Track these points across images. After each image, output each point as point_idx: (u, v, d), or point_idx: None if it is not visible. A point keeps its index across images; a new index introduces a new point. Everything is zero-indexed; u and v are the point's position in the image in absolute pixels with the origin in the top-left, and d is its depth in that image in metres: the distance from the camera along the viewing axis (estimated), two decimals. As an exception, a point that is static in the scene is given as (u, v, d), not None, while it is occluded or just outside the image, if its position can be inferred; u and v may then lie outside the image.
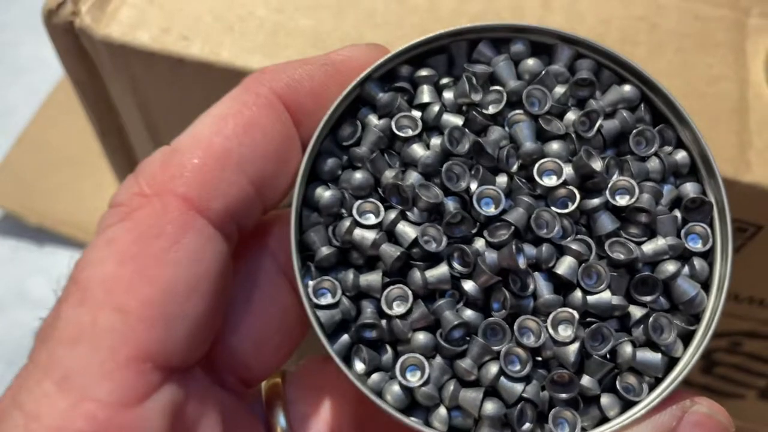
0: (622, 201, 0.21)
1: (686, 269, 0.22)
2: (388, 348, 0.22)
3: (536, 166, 0.22)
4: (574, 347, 0.20)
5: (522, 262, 0.20)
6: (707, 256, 0.22)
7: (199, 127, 0.21)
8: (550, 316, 0.21)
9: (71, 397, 0.18)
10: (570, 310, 0.21)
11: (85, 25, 0.33)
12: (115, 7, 0.34)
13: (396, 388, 0.21)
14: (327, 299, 0.22)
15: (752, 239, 0.34)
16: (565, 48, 0.23)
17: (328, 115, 0.22)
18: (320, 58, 0.23)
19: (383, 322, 0.21)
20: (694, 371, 0.46)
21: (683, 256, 0.22)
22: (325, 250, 0.22)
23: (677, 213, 0.22)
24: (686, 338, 0.21)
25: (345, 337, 0.22)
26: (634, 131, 0.22)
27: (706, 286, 0.22)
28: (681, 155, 0.23)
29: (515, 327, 0.21)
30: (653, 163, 0.22)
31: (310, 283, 0.22)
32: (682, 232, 0.22)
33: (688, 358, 0.21)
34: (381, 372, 0.22)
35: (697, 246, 0.22)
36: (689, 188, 0.22)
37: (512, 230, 0.21)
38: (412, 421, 0.21)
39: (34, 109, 0.62)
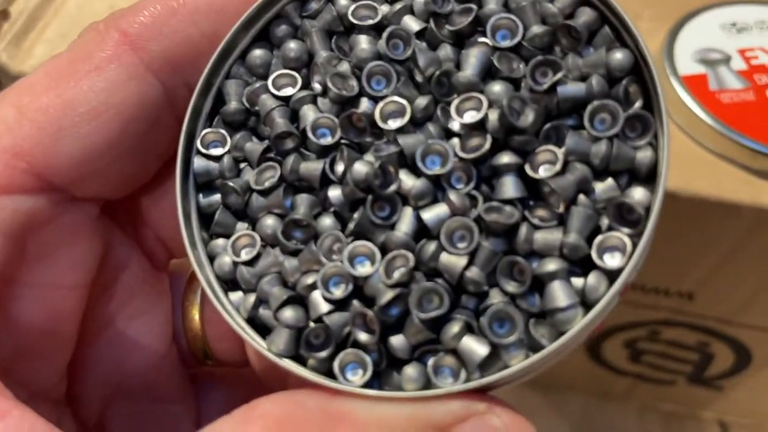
0: (536, 173, 0.18)
1: (579, 280, 0.18)
2: (247, 221, 0.21)
3: (459, 98, 0.19)
4: (391, 293, 0.18)
5: (388, 188, 0.19)
6: (612, 275, 0.18)
7: None
8: (389, 255, 0.18)
9: None
10: (409, 255, 0.18)
11: (2, 63, 0.35)
12: (30, 44, 0.36)
13: (227, 259, 0.20)
14: (214, 151, 0.21)
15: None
16: None
17: None
18: None
19: (249, 196, 0.21)
20: (623, 360, 0.48)
21: (585, 263, 0.18)
22: (234, 104, 0.21)
23: (605, 218, 0.18)
24: (536, 350, 0.18)
25: (216, 196, 0.21)
26: (596, 103, 0.18)
27: (589, 306, 0.18)
28: (644, 154, 0.19)
29: (348, 250, 0.19)
30: (599, 147, 0.18)
31: (205, 131, 0.21)
32: (598, 239, 0.18)
33: (520, 369, 0.18)
34: (224, 240, 0.21)
35: (609, 261, 0.18)
36: (636, 194, 0.18)
37: (396, 151, 0.19)
38: (216, 299, 0.20)
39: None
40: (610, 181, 0.18)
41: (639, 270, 0.18)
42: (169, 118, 0.22)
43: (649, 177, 0.19)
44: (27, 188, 0.20)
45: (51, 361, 0.22)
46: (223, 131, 0.21)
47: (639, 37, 0.19)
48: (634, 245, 0.18)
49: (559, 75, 0.19)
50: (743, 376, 0.47)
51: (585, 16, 0.20)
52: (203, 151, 0.21)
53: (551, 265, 0.18)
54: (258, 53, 0.22)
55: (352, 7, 0.21)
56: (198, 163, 0.21)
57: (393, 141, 0.19)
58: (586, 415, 0.54)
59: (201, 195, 0.21)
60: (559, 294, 0.17)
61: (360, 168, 0.19)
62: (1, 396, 0.17)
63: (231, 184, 0.21)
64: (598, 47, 0.20)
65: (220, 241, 0.21)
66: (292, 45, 0.21)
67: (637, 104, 0.19)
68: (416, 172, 0.19)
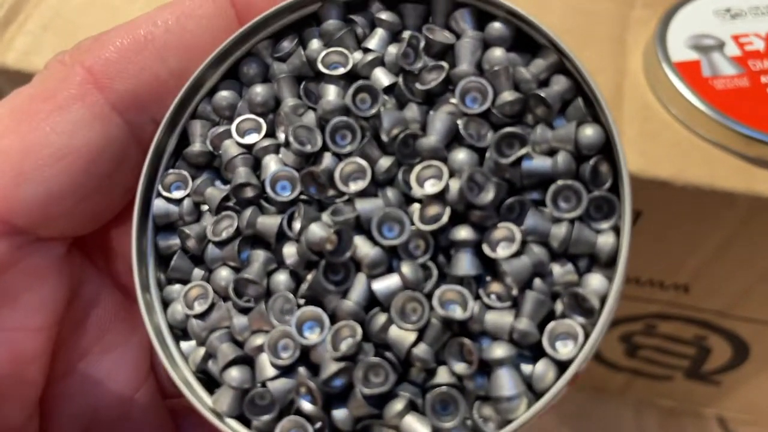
0: (493, 251, 0.18)
1: (528, 366, 0.18)
2: (196, 268, 0.21)
3: (420, 166, 0.18)
4: (335, 366, 0.18)
5: (346, 255, 0.18)
6: (563, 365, 0.17)
7: (137, 17, 0.21)
8: (337, 325, 0.18)
9: None
10: (356, 326, 0.18)
11: (-18, 55, 0.34)
12: (11, 35, 0.35)
13: (179, 307, 0.20)
14: (173, 194, 0.21)
15: (635, 224, 0.35)
16: (552, 55, 0.19)
17: (268, 13, 0.20)
18: None
19: (207, 244, 0.20)
20: (619, 355, 0.48)
21: (535, 349, 0.18)
22: (198, 146, 0.21)
23: (559, 303, 0.18)
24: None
25: (175, 239, 0.21)
26: (560, 183, 0.18)
27: (537, 394, 0.18)
28: (606, 239, 0.18)
29: (297, 314, 0.18)
30: (559, 229, 0.18)
31: (168, 172, 0.21)
32: (550, 326, 0.18)
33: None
34: (183, 285, 0.20)
35: (562, 350, 0.17)
36: (594, 281, 0.18)
37: (353, 216, 0.18)
38: (163, 353, 0.20)
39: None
40: (568, 265, 0.18)
41: (589, 359, 0.18)
42: (136, 155, 0.21)
43: (609, 262, 0.18)
44: None
45: (17, 403, 0.22)
46: (185, 173, 0.21)
47: (609, 115, 0.18)
48: (587, 335, 0.17)
49: (524, 150, 0.18)
50: (741, 370, 0.46)
51: (559, 84, 0.19)
52: (164, 193, 0.21)
53: (499, 350, 0.17)
54: (224, 94, 0.21)
55: (324, 53, 0.20)
56: (158, 204, 0.21)
57: (352, 204, 0.19)
58: (582, 412, 0.53)
59: (160, 236, 0.21)
60: (505, 382, 0.17)
61: (315, 231, 0.18)
62: None
63: (188, 231, 0.20)
64: (570, 118, 0.19)
65: (176, 287, 0.21)
66: (259, 90, 0.20)
67: (606, 185, 0.18)
68: (372, 239, 0.18)
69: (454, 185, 0.18)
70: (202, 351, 0.20)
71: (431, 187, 0.18)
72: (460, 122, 0.18)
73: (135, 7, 0.37)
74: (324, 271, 0.18)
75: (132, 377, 0.24)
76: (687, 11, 0.36)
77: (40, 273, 0.21)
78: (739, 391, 0.49)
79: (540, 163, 0.18)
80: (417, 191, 0.18)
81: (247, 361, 0.19)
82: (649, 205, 0.34)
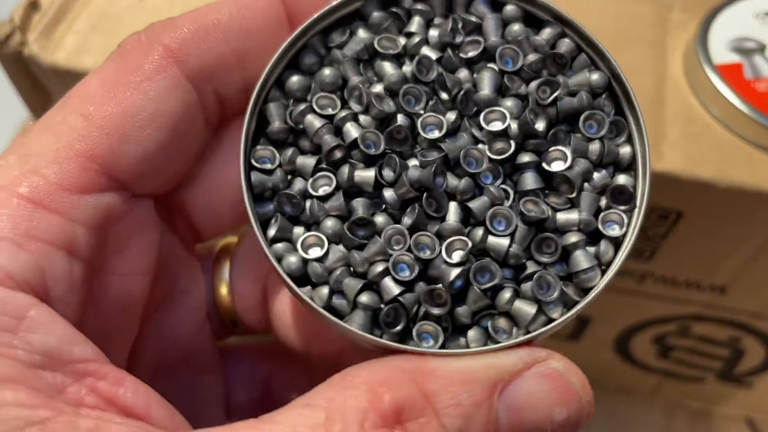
0: (554, 167, 0.23)
1: (592, 248, 0.23)
2: (303, 228, 0.24)
3: (485, 111, 0.23)
4: (458, 270, 0.22)
5: (440, 185, 0.22)
6: (617, 242, 0.23)
7: (202, 6, 0.25)
8: (448, 240, 0.22)
9: (24, 168, 0.21)
10: (466, 239, 0.22)
11: (33, 54, 0.35)
12: (60, 35, 0.36)
13: (294, 258, 0.23)
14: (265, 165, 0.24)
15: (676, 225, 0.35)
16: (554, 25, 0.25)
17: (322, 12, 0.25)
18: None
19: (306, 202, 0.23)
20: (651, 357, 0.48)
21: (594, 235, 0.23)
22: (278, 124, 0.24)
23: (603, 198, 0.23)
24: (569, 307, 0.22)
25: (270, 206, 0.24)
26: (587, 113, 0.24)
27: (604, 267, 0.23)
28: (625, 150, 0.24)
29: (413, 239, 0.22)
30: (594, 146, 0.23)
31: (256, 148, 0.24)
32: (601, 215, 0.23)
33: (561, 320, 0.22)
34: (288, 244, 0.23)
35: (612, 231, 0.23)
36: (621, 179, 0.24)
37: (441, 155, 0.22)
38: (297, 289, 0.22)
39: (12, 134, 0.64)
40: (603, 171, 0.24)
41: (635, 240, 0.23)
42: (201, 121, 0.25)
43: (628, 167, 0.24)
44: (102, 187, 0.22)
45: (124, 343, 0.25)
46: (271, 148, 0.24)
47: (611, 58, 0.24)
48: (629, 218, 0.23)
49: (559, 91, 0.23)
50: (774, 372, 0.46)
51: (565, 45, 0.25)
52: (257, 165, 0.24)
53: (572, 237, 0.23)
54: (296, 79, 0.24)
55: (377, 38, 0.24)
56: (254, 177, 0.24)
57: (435, 148, 0.23)
58: (612, 413, 0.53)
59: (256, 205, 0.24)
60: (582, 260, 0.22)
61: (414, 171, 0.22)
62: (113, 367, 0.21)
63: (291, 192, 0.23)
64: (577, 70, 0.25)
65: (280, 245, 0.23)
66: (327, 72, 0.24)
67: (611, 112, 0.24)
68: (455, 173, 0.23)
69: (513, 124, 0.23)
70: (325, 290, 0.23)
71: (497, 127, 0.23)
72: (506, 78, 0.24)
73: (176, 10, 0.37)
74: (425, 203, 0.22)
75: (195, 321, 0.28)
76: (727, 14, 0.36)
77: (142, 224, 0.24)
78: (770, 394, 0.49)
79: (569, 100, 0.24)
80: (484, 131, 0.23)
81: (371, 287, 0.22)
82: (690, 206, 0.34)
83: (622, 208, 0.23)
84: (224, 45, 0.24)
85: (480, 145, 0.23)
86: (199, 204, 0.27)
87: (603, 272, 0.23)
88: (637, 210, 0.23)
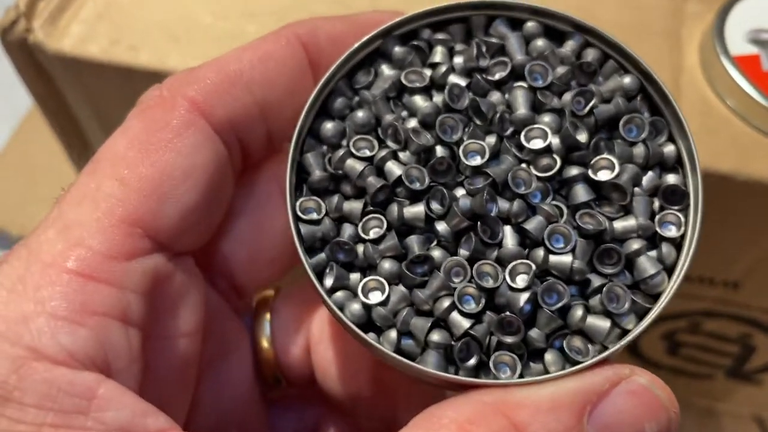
0: (601, 176, 0.23)
1: (654, 252, 0.23)
2: (359, 273, 0.23)
3: (525, 130, 0.23)
4: (526, 295, 0.21)
5: (493, 211, 0.22)
6: (677, 243, 0.23)
7: (222, 55, 0.25)
8: (510, 265, 0.22)
9: (68, 242, 0.21)
10: (528, 262, 0.22)
11: (38, 41, 0.35)
12: (66, 22, 0.35)
13: (356, 305, 0.22)
14: (311, 216, 0.23)
15: (690, 220, 0.35)
16: (576, 35, 0.25)
17: (346, 56, 0.24)
18: (345, 16, 0.26)
19: (358, 247, 0.23)
20: (660, 353, 0.47)
21: (653, 239, 0.23)
22: (318, 173, 0.24)
23: (655, 200, 0.23)
24: (641, 315, 0.22)
25: (322, 256, 0.23)
26: (626, 117, 0.23)
27: (669, 270, 0.23)
28: (668, 148, 0.24)
29: (474, 269, 0.22)
30: (639, 149, 0.23)
31: (299, 200, 0.24)
32: (657, 217, 0.23)
33: (637, 331, 0.22)
34: (347, 291, 0.23)
35: (669, 232, 0.23)
36: (671, 179, 0.24)
37: (489, 181, 0.22)
38: (366, 336, 0.22)
39: (16, 123, 0.63)
40: (650, 173, 0.23)
41: (698, 238, 0.23)
42: (231, 173, 0.25)
43: (673, 165, 0.24)
44: (147, 251, 0.22)
45: (182, 408, 0.24)
46: (315, 198, 0.24)
47: (644, 62, 0.24)
48: (686, 217, 0.23)
49: (594, 100, 0.23)
50: (784, 369, 0.46)
51: (591, 54, 0.25)
52: (304, 217, 0.23)
53: (635, 244, 0.22)
54: (330, 125, 0.24)
55: (404, 73, 0.24)
56: (302, 229, 0.23)
57: (480, 174, 0.23)
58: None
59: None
60: (648, 265, 0.22)
61: (465, 200, 0.22)
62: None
63: (342, 239, 0.23)
64: (607, 76, 0.25)
65: (339, 294, 0.23)
66: (360, 114, 0.24)
67: (647, 114, 0.24)
68: (505, 197, 0.23)
69: (555, 139, 0.23)
70: (393, 333, 0.22)
71: (539, 143, 0.23)
72: (536, 95, 0.24)
73: (181, 2, 0.37)
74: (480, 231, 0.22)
75: (245, 381, 0.27)
76: (743, 6, 0.35)
77: (187, 282, 0.24)
78: (779, 391, 0.48)
79: (606, 108, 0.24)
80: (526, 150, 0.23)
81: (440, 324, 0.22)
82: (707, 199, 0.33)
83: (677, 207, 0.23)
84: (248, 96, 0.24)
85: (524, 165, 0.23)
86: (237, 257, 0.26)
87: (669, 275, 0.22)
88: (692, 207, 0.23)
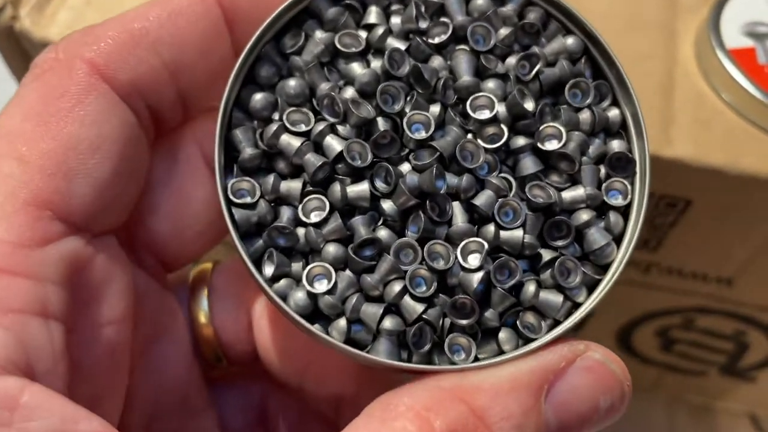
0: (549, 146, 0.22)
1: (602, 222, 0.22)
2: (301, 258, 0.22)
3: (470, 99, 0.22)
4: (479, 275, 0.21)
5: (441, 188, 0.21)
6: (624, 211, 0.22)
7: (125, 12, 0.22)
8: (461, 244, 0.21)
9: None
10: (480, 240, 0.21)
11: (24, 28, 0.34)
12: (53, 10, 0.35)
13: (301, 294, 0.21)
14: (245, 200, 0.22)
15: (684, 214, 0.34)
16: None
17: (271, 19, 0.22)
18: None
19: (298, 230, 0.22)
20: (654, 350, 0.47)
21: (600, 208, 0.22)
22: (249, 151, 0.22)
23: (601, 167, 0.23)
24: (591, 287, 0.22)
25: (259, 242, 0.22)
26: (571, 82, 0.23)
27: (618, 239, 0.22)
28: (613, 113, 0.23)
29: (425, 250, 0.21)
30: (585, 115, 0.23)
31: (230, 181, 0.22)
32: (603, 186, 0.22)
33: (589, 304, 0.21)
34: (290, 279, 0.22)
35: (616, 201, 0.22)
36: (616, 145, 0.23)
37: (436, 155, 0.21)
38: (312, 327, 0.21)
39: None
40: (596, 140, 0.23)
41: (645, 208, 0.22)
42: (144, 141, 0.22)
43: (618, 131, 0.23)
44: (60, 234, 0.20)
45: (117, 399, 0.22)
46: (248, 179, 0.22)
47: (588, 23, 0.23)
48: (632, 185, 0.22)
49: (540, 65, 0.22)
50: (778, 367, 0.45)
51: (534, 13, 0.24)
52: (237, 201, 0.22)
53: (584, 215, 0.22)
54: (259, 97, 0.22)
55: (338, 36, 0.23)
56: (236, 214, 0.22)
57: (426, 148, 0.21)
58: (613, 407, 0.52)
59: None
60: (597, 237, 0.22)
61: (412, 177, 0.21)
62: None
63: (281, 224, 0.21)
64: (550, 38, 0.24)
65: (282, 283, 0.22)
66: (292, 83, 0.22)
67: (588, 76, 0.24)
68: (452, 170, 0.21)
69: (501, 107, 0.22)
70: (342, 322, 0.21)
71: (486, 113, 0.22)
72: (482, 58, 0.23)
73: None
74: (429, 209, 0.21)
75: (183, 360, 0.25)
76: (739, -1, 0.35)
77: (110, 265, 0.21)
78: (774, 389, 0.48)
79: (551, 72, 0.23)
80: (476, 117, 0.22)
81: (392, 310, 0.21)
82: (699, 194, 0.33)
83: (624, 175, 0.22)
84: (155, 57, 0.22)
85: (469, 136, 0.22)
86: (162, 231, 0.24)
87: (618, 245, 0.22)
88: (639, 174, 0.22)
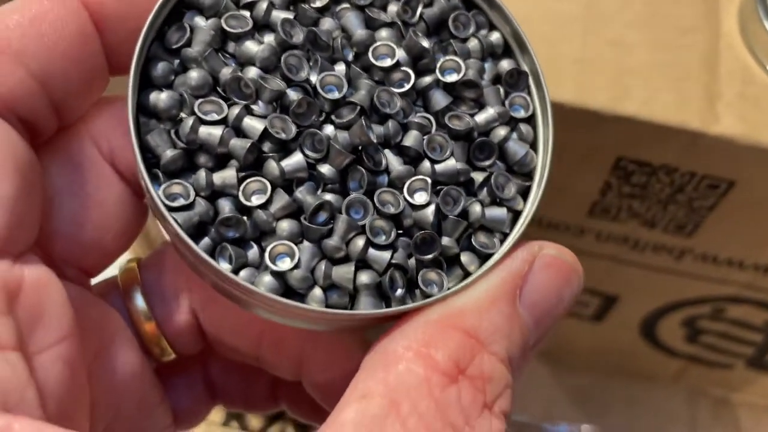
0: (451, 78, 0.23)
1: (515, 135, 0.23)
2: (254, 244, 0.22)
3: (371, 50, 0.23)
4: (431, 209, 0.22)
5: (373, 136, 0.22)
6: (530, 121, 0.24)
7: None
8: (405, 186, 0.22)
9: None
10: (422, 177, 0.22)
11: None
12: None
13: (268, 277, 0.21)
14: (181, 202, 0.21)
15: (725, 196, 0.32)
16: None
17: (151, 18, 0.22)
18: None
19: (244, 218, 0.22)
20: (678, 341, 0.45)
21: (509, 123, 0.24)
22: (170, 153, 0.22)
23: (499, 87, 0.24)
24: (524, 194, 0.23)
25: (206, 240, 0.22)
26: (452, 15, 0.24)
27: (534, 147, 0.24)
28: (495, 36, 0.25)
29: (375, 200, 0.22)
30: (472, 44, 0.24)
31: (160, 189, 0.21)
32: (506, 103, 0.24)
33: (528, 209, 0.23)
34: (250, 268, 0.22)
35: (520, 113, 0.24)
36: (505, 65, 0.24)
37: (358, 109, 0.22)
38: (303, 305, 0.21)
39: None
40: (488, 64, 0.24)
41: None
42: (30, 151, 0.21)
43: (504, 52, 0.25)
44: None
45: (85, 416, 0.22)
46: (179, 181, 0.22)
47: None
48: (530, 95, 0.24)
49: (420, 7, 0.23)
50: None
51: None
52: (174, 205, 0.21)
53: (501, 131, 0.23)
54: (163, 96, 0.22)
55: (223, 19, 0.23)
56: (179, 218, 0.21)
57: (344, 105, 0.22)
58: (632, 399, 0.51)
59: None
60: (516, 148, 0.23)
61: (344, 135, 0.22)
62: None
63: (227, 215, 0.21)
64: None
65: (244, 273, 0.21)
66: (194, 75, 0.22)
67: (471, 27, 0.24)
68: (373, 121, 0.22)
69: (400, 52, 0.23)
70: (318, 292, 0.21)
71: (388, 61, 0.23)
72: (366, 11, 0.23)
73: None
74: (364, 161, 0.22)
75: (132, 363, 0.25)
76: (787, -32, 0.33)
77: (42, 283, 0.20)
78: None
79: (431, 11, 0.24)
80: (380, 65, 0.23)
81: (358, 266, 0.21)
82: (745, 175, 0.31)
83: (519, 89, 0.24)
84: (21, 69, 0.21)
85: (380, 86, 0.23)
86: (75, 238, 0.23)
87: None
88: (534, 85, 0.24)
